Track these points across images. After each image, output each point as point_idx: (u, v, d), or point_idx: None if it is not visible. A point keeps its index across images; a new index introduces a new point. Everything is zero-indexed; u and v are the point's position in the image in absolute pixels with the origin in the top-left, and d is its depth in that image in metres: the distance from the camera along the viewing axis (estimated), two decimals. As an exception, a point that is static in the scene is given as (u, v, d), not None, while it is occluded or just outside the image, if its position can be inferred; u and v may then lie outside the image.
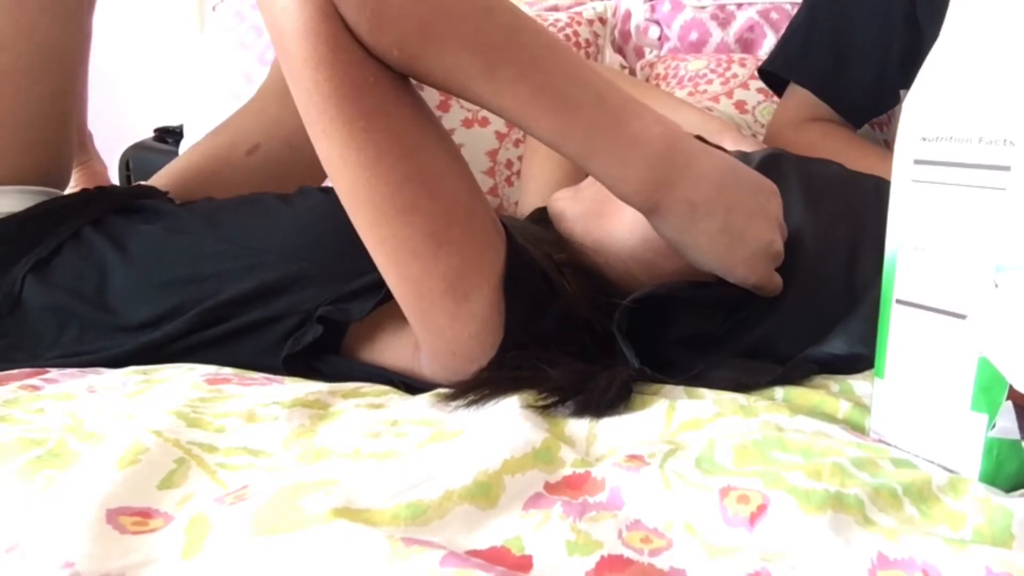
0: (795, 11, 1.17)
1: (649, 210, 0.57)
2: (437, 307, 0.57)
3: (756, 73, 1.22)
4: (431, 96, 0.64)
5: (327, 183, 0.67)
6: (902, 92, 1.08)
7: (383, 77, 0.54)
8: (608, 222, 0.65)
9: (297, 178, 1.02)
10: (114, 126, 0.99)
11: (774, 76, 1.15)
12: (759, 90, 1.31)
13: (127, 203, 0.82)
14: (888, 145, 1.14)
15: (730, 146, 0.87)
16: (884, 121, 1.18)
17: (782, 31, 1.20)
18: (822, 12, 1.09)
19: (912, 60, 1.02)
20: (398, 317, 0.60)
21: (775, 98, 1.21)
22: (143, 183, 0.93)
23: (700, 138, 0.71)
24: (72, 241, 0.76)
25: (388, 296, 0.60)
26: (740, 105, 1.31)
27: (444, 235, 0.56)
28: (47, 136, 0.83)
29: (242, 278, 0.68)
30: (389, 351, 0.64)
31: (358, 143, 0.54)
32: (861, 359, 0.62)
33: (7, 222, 0.77)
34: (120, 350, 0.68)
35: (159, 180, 0.98)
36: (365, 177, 0.54)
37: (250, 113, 1.02)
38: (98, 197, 0.83)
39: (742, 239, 0.59)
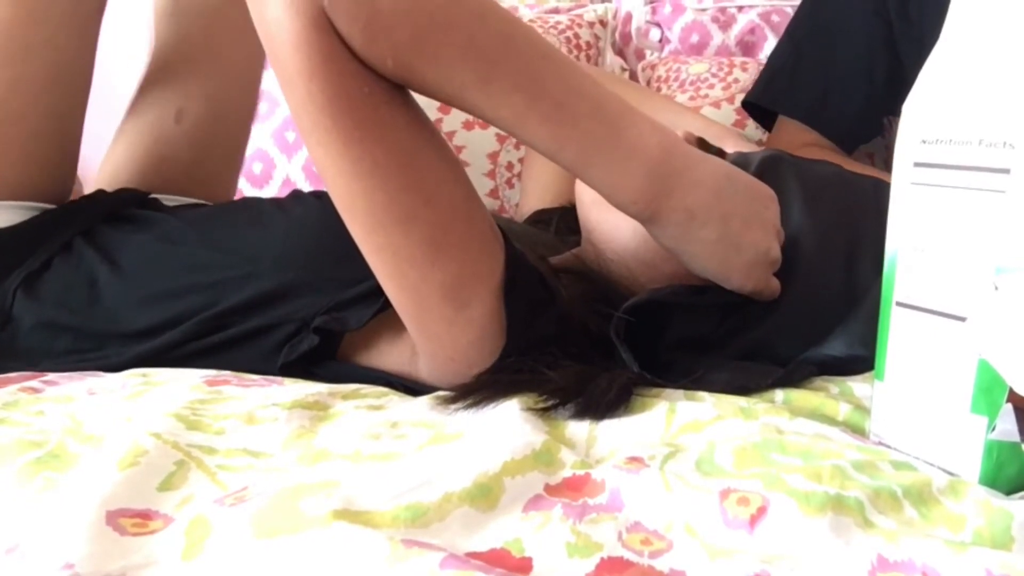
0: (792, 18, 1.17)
1: (647, 219, 0.57)
2: (435, 314, 0.57)
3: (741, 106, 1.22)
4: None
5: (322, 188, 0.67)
6: (888, 119, 1.09)
7: (378, 87, 0.53)
8: (613, 215, 0.65)
9: (234, 129, 1.02)
10: (110, 126, 0.99)
11: (757, 107, 1.16)
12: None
13: (116, 211, 0.82)
14: (889, 149, 1.14)
15: (731, 150, 0.87)
16: (884, 126, 1.18)
17: (781, 34, 1.20)
18: (807, 44, 1.10)
19: (895, 86, 1.03)
20: (395, 324, 0.60)
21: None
22: (126, 187, 0.93)
23: (702, 141, 0.71)
24: (62, 254, 0.76)
25: (386, 305, 0.59)
26: (741, 111, 1.31)
27: (442, 243, 0.56)
28: (49, 153, 0.83)
29: (238, 287, 0.68)
30: (386, 357, 0.64)
31: (354, 154, 0.53)
32: (861, 361, 0.62)
33: None
34: (117, 359, 0.68)
35: (106, 173, 0.97)
36: (361, 187, 0.54)
37: (157, 83, 0.98)
38: (86, 207, 0.82)
39: (739, 247, 0.59)
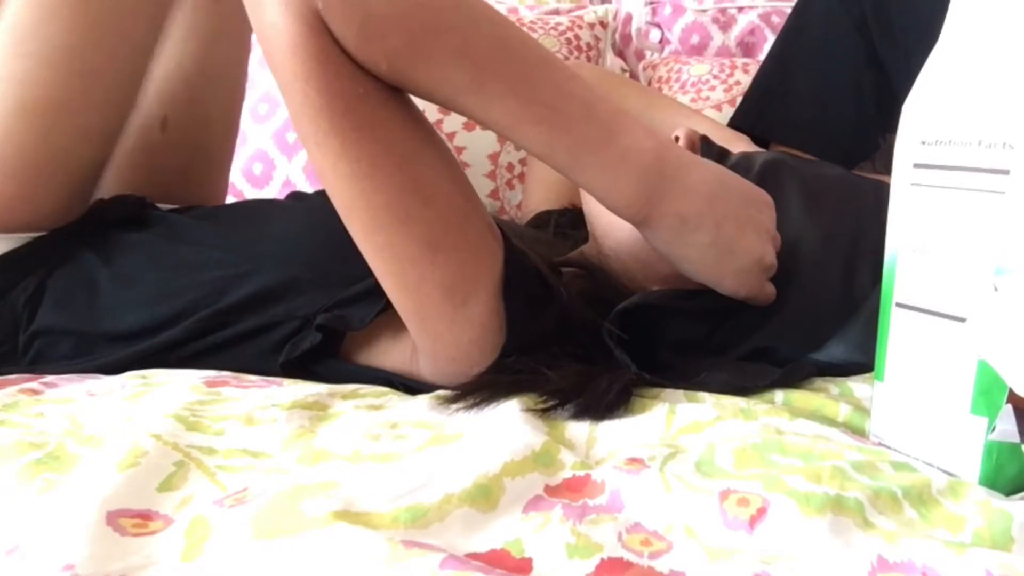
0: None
1: (639, 222, 0.57)
2: (435, 313, 0.57)
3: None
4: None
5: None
6: (885, 135, 1.08)
7: (374, 89, 0.54)
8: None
9: (220, 130, 1.00)
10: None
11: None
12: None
13: (114, 216, 0.81)
14: (888, 152, 1.14)
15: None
16: (880, 141, 1.18)
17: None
18: (797, 68, 1.09)
19: (886, 101, 1.02)
20: (396, 322, 0.60)
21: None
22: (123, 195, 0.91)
23: (705, 139, 0.71)
24: (63, 263, 0.75)
25: (388, 305, 0.59)
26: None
27: (441, 242, 0.56)
28: (68, 177, 0.78)
29: (239, 285, 0.68)
30: (387, 355, 0.64)
31: (351, 155, 0.54)
32: (859, 367, 0.62)
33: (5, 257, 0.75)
34: (114, 358, 0.68)
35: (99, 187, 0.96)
36: (360, 188, 0.54)
37: (133, 92, 0.92)
38: (87, 222, 0.81)
39: (732, 252, 0.59)
